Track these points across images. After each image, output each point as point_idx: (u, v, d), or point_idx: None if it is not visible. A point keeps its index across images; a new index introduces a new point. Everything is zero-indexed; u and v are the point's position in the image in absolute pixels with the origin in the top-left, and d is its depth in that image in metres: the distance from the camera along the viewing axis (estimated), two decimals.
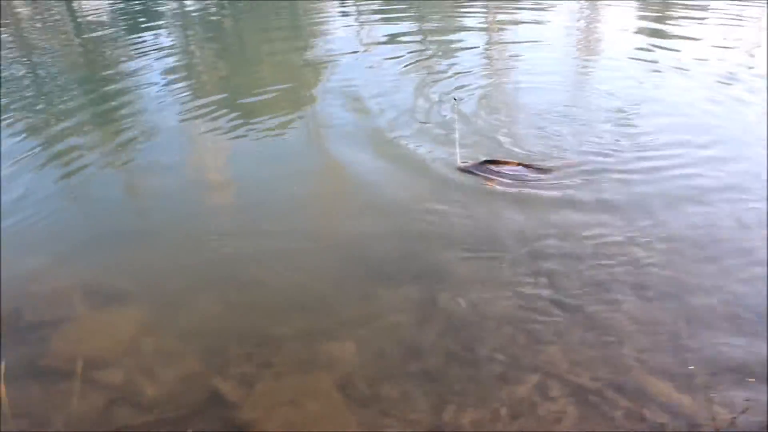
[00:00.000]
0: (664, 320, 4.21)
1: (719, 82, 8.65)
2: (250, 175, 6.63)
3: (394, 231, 5.44)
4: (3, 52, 13.05)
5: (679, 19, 12.63)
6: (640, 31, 12.18)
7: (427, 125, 7.52)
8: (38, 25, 16.34)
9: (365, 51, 11.57)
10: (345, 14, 14.94)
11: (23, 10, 18.05)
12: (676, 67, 9.45)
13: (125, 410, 3.89)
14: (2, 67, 11.87)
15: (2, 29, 15.66)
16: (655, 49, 10.59)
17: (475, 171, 6.18)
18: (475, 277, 4.79)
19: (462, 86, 8.95)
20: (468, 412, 3.68)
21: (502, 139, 7.02)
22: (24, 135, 8.22)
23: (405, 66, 10.05)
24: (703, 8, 13.37)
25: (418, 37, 12.09)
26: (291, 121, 8.05)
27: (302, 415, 3.74)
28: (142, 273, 5.17)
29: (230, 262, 5.19)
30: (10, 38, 14.79)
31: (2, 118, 8.74)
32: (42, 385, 4.09)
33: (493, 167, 6.17)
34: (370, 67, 10.30)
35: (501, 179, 6.03)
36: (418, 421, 3.65)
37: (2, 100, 9.73)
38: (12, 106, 9.38)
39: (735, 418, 2.95)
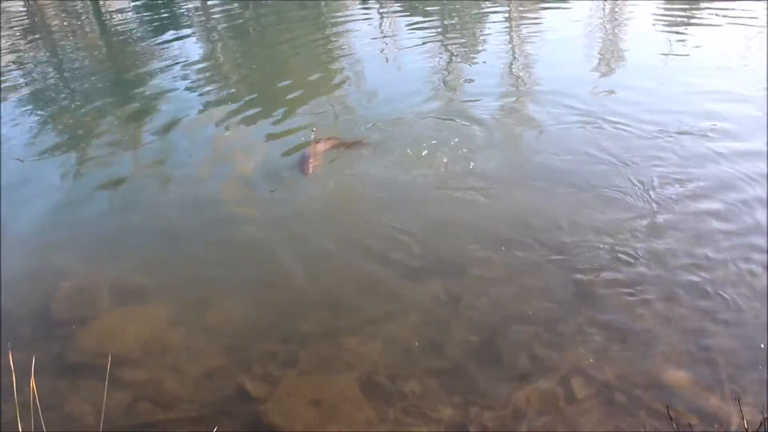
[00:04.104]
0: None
1: None
2: (275, 176, 6.60)
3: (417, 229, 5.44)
4: (32, 52, 13.27)
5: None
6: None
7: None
8: (65, 23, 16.57)
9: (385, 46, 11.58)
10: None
11: (50, 10, 18.29)
12: None
13: (151, 406, 3.93)
14: (31, 67, 12.06)
15: (30, 29, 15.90)
16: None
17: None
18: (498, 273, 4.77)
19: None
20: (491, 410, 3.67)
21: None
22: (54, 135, 8.37)
23: (423, 67, 10.01)
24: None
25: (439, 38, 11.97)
26: (310, 120, 8.07)
27: (326, 413, 3.76)
28: (169, 272, 5.23)
29: (255, 261, 5.22)
30: (37, 37, 15.02)
31: (34, 118, 8.89)
32: (70, 380, 4.17)
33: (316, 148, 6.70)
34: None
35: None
36: (441, 419, 3.65)
37: (32, 99, 9.89)
38: (42, 107, 9.54)
39: (766, 419, 2.89)
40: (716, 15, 11.76)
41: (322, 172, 6.44)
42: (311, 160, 6.51)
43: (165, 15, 16.18)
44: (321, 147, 6.78)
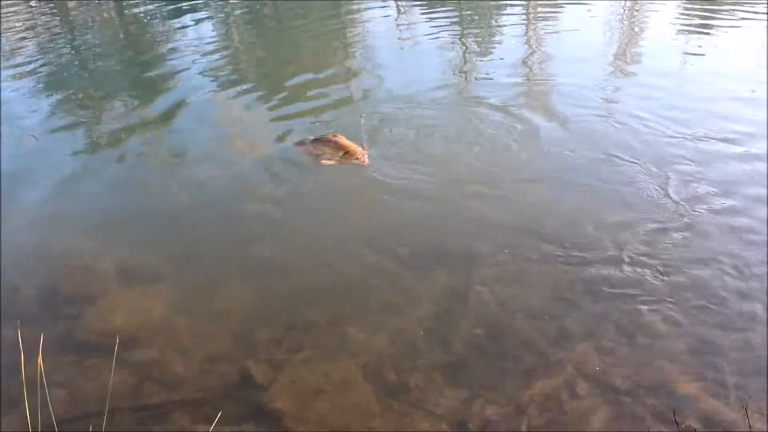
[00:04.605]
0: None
1: None
2: (285, 162, 6.60)
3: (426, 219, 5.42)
4: (55, 41, 13.22)
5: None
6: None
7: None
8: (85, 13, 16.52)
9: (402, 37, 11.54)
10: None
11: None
12: None
13: (156, 387, 3.95)
14: (52, 55, 12.03)
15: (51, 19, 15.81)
16: None
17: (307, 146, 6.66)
18: (507, 270, 4.74)
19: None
20: (495, 405, 3.66)
21: None
22: (68, 116, 8.38)
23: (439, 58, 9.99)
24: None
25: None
26: (327, 106, 8.08)
27: (329, 401, 3.76)
28: (177, 254, 5.24)
29: (263, 248, 5.21)
30: (58, 26, 14.96)
31: (50, 102, 8.91)
32: (76, 358, 4.18)
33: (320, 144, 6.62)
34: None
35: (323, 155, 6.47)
36: (445, 412, 3.64)
37: (50, 83, 9.91)
38: (59, 91, 9.54)
39: None
40: (736, 16, 11.62)
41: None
42: (356, 149, 6.42)
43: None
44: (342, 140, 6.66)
